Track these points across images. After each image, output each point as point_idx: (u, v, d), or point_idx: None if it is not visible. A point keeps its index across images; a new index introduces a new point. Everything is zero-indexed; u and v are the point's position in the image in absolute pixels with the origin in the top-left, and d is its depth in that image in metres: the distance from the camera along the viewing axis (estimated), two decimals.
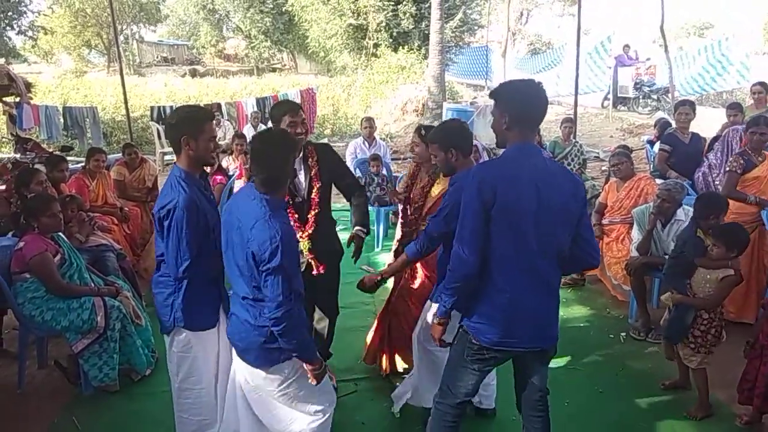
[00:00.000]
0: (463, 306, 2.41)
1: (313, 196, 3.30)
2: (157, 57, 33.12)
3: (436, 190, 3.42)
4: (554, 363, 4.03)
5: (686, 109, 5.78)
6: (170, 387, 3.71)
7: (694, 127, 5.88)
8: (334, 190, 3.48)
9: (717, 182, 5.11)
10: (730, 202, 4.21)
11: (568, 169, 2.62)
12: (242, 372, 2.49)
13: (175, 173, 2.59)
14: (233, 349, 2.50)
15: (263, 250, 2.19)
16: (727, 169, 4.47)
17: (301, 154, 3.30)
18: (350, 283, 3.32)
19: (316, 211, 3.28)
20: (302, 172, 3.32)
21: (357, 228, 3.37)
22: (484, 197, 2.20)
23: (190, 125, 2.56)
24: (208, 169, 3.23)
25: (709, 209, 3.51)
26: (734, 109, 6.32)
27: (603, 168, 9.29)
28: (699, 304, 3.29)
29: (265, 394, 2.47)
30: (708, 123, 8.99)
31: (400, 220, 3.79)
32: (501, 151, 2.44)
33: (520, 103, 2.29)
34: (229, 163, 7.26)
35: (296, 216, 3.24)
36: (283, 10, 24.13)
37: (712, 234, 3.36)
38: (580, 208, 2.34)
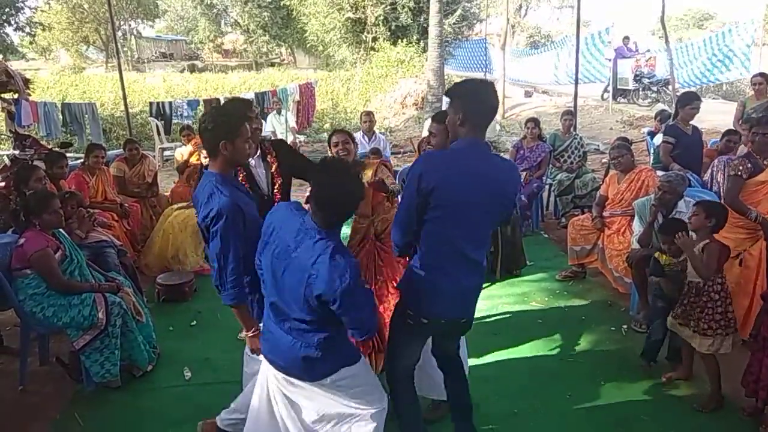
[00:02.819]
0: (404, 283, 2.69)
1: (275, 191, 3.38)
2: (156, 52, 33.11)
3: (367, 174, 3.58)
4: (555, 355, 4.05)
5: (698, 104, 5.68)
6: (172, 383, 3.75)
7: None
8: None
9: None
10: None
11: (508, 161, 2.79)
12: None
13: (210, 179, 2.56)
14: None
15: (331, 291, 2.16)
16: (731, 173, 4.10)
17: (258, 152, 3.39)
18: None
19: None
20: (262, 169, 3.39)
21: None
22: (422, 185, 2.38)
23: (227, 130, 2.53)
24: None
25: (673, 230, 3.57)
26: (749, 122, 5.98)
27: (603, 160, 9.26)
28: (695, 269, 3.32)
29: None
30: (706, 115, 8.94)
31: None
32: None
33: (473, 102, 2.46)
34: None
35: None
36: (281, 4, 24.03)
37: (695, 205, 3.51)
38: (512, 200, 2.63)
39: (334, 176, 2.28)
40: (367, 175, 3.65)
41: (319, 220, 2.28)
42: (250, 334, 2.64)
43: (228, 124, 2.55)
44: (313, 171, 3.41)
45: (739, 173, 4.04)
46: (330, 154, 3.80)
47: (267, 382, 2.56)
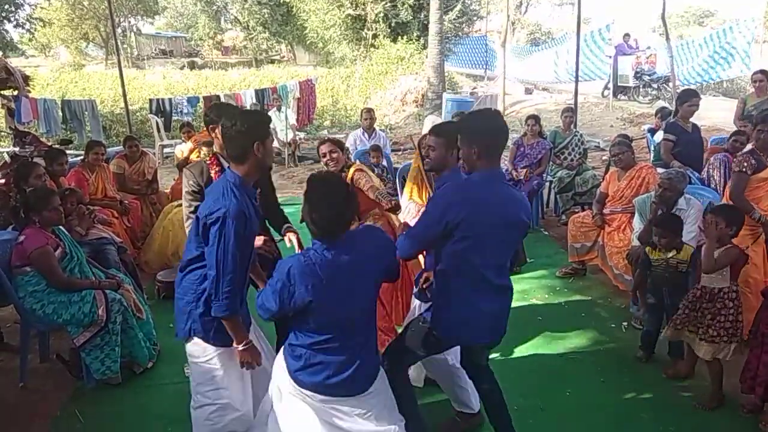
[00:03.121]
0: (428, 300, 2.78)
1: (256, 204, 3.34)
2: (155, 49, 33.01)
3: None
4: (556, 353, 4.06)
5: (696, 101, 5.71)
6: (172, 380, 3.75)
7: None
8: None
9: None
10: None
11: (519, 193, 2.87)
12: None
13: (229, 179, 2.48)
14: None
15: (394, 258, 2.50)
16: (736, 169, 4.07)
17: None
18: None
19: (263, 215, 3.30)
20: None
21: (286, 225, 3.41)
22: (448, 218, 2.44)
23: (260, 130, 2.50)
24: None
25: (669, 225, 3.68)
26: (746, 119, 5.92)
27: (603, 157, 9.26)
28: (704, 260, 3.29)
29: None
30: (706, 112, 8.92)
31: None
32: None
33: (488, 136, 2.53)
34: None
35: None
36: (281, 1, 24.00)
37: (712, 213, 3.40)
38: (526, 225, 2.68)
39: (323, 193, 2.28)
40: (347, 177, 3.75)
41: (323, 236, 2.27)
42: (241, 347, 2.52)
43: (260, 124, 2.52)
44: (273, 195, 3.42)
45: (744, 170, 4.01)
46: (322, 164, 3.84)
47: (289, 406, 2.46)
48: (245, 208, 2.42)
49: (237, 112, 2.68)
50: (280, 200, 3.71)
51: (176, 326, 2.71)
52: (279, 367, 2.46)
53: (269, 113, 10.82)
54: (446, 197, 2.54)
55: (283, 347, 2.46)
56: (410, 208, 3.65)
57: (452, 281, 2.56)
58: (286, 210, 3.60)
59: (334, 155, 3.74)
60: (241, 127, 2.47)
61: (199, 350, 2.66)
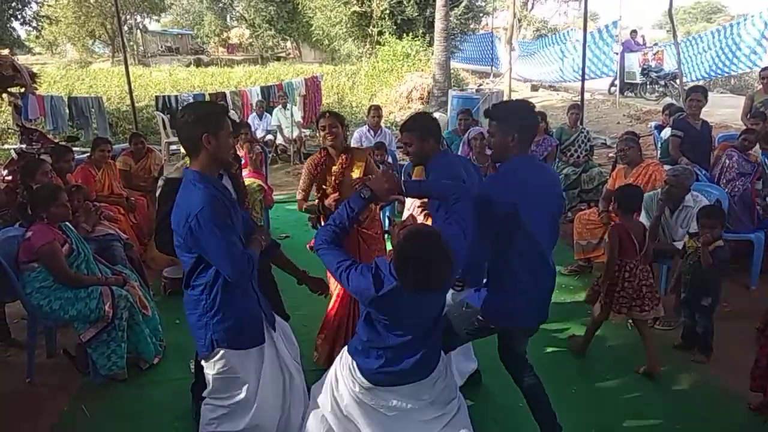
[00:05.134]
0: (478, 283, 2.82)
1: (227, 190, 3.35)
2: (161, 47, 33.09)
3: (356, 173, 3.71)
4: (561, 350, 4.05)
5: (698, 95, 5.68)
6: (178, 375, 3.77)
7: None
8: None
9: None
10: None
11: (551, 168, 2.99)
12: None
13: (188, 177, 2.41)
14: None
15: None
16: None
17: None
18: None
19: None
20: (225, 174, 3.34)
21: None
22: (502, 208, 2.54)
23: (210, 121, 2.40)
24: None
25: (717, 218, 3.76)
26: (757, 117, 5.87)
27: (610, 154, 9.22)
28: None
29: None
30: (714, 109, 8.86)
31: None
32: None
33: (526, 124, 2.70)
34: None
35: None
36: None
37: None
38: (563, 201, 2.94)
39: (420, 253, 2.10)
40: (359, 168, 3.74)
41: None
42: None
43: (210, 115, 2.44)
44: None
45: None
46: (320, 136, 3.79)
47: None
48: (216, 193, 2.38)
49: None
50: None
51: (196, 344, 2.60)
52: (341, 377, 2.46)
53: (275, 110, 10.84)
54: (497, 184, 2.71)
55: (349, 353, 2.44)
56: (414, 205, 3.65)
57: (510, 265, 2.64)
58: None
59: (334, 129, 3.65)
60: (188, 119, 2.41)
61: (222, 360, 2.56)
